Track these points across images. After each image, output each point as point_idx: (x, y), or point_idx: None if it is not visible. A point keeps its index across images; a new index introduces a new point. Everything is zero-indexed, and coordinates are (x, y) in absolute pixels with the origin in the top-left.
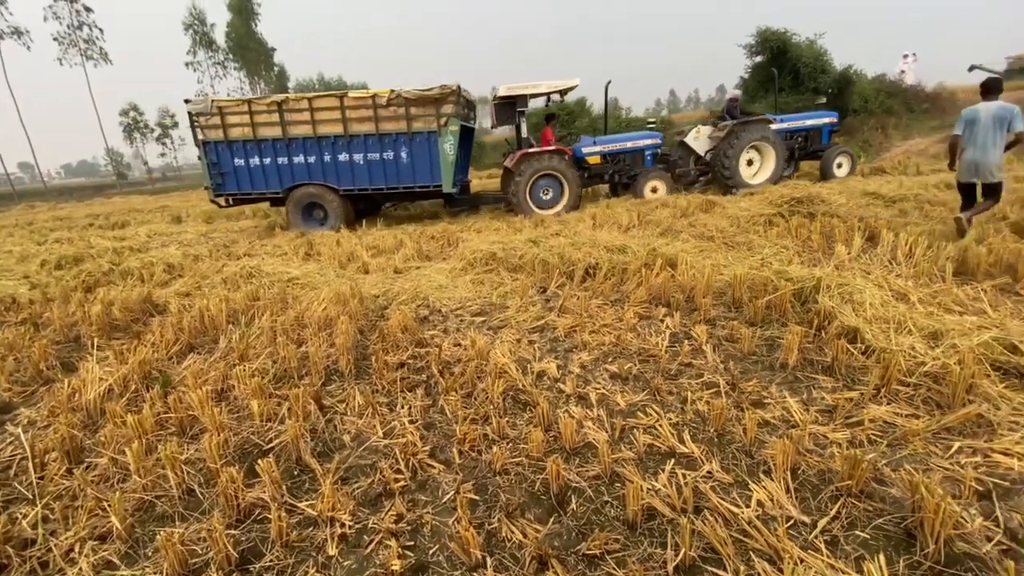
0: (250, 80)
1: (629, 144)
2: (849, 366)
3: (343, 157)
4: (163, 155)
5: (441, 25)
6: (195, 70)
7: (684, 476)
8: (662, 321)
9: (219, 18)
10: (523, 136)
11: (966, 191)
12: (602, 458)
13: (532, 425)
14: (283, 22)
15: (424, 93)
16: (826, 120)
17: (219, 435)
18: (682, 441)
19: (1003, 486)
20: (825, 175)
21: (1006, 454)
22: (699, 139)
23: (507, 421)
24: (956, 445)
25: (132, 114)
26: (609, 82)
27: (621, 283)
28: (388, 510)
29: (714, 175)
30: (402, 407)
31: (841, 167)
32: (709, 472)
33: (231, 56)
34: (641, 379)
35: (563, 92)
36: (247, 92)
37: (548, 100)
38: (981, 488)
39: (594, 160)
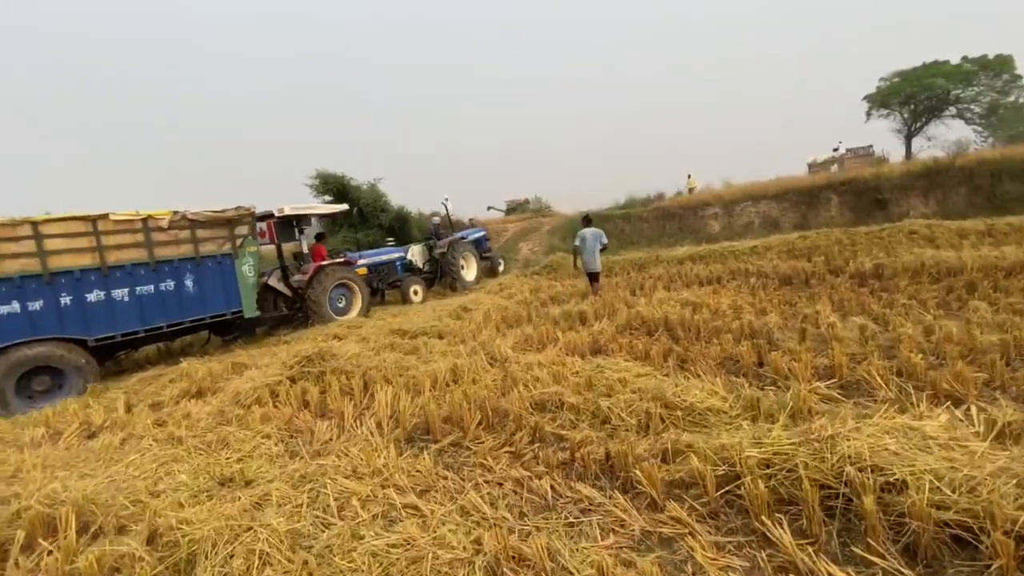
0: None
1: (384, 257)
2: None
3: (94, 296)
4: None
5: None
6: None
7: None
8: None
9: None
10: (304, 252)
11: (589, 277)
12: None
13: None
14: None
15: (218, 214)
16: (482, 234)
17: None
18: None
19: None
20: (495, 273)
21: None
22: (414, 255)
23: None
24: None
25: None
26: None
27: None
28: None
29: (447, 277)
30: None
31: (502, 266)
32: None
33: None
34: None
35: (336, 215)
36: None
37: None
38: None
39: (362, 272)
